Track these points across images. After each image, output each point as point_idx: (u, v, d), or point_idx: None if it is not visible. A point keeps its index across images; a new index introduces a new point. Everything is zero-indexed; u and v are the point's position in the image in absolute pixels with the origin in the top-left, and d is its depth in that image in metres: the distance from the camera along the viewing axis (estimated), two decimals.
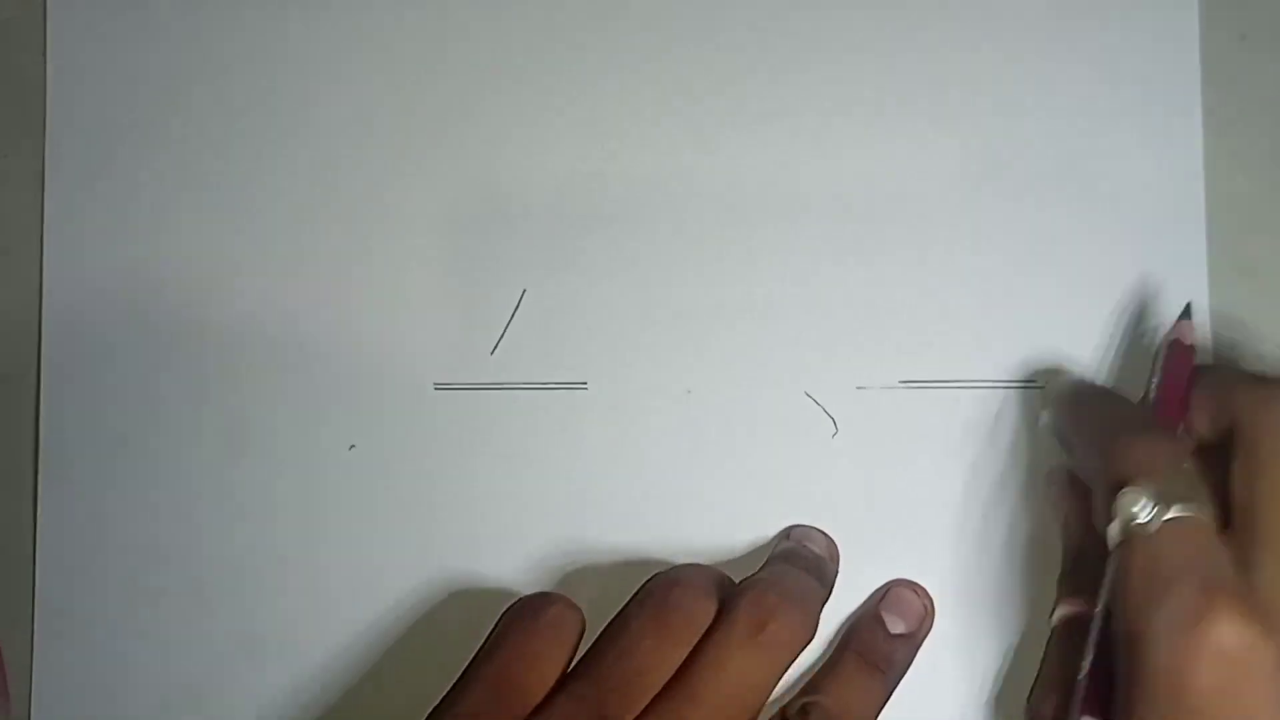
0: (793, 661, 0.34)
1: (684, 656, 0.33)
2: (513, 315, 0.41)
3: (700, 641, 0.34)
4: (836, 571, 0.39)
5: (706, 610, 0.34)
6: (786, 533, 0.39)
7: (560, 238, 0.41)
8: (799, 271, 0.40)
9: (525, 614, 0.35)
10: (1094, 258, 0.40)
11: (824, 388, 0.40)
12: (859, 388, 0.40)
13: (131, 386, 0.41)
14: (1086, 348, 0.40)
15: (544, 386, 0.40)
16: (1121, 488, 0.31)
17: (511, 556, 0.40)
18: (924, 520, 0.39)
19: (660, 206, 0.41)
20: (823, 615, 0.36)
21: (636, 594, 0.35)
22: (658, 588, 0.35)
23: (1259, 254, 0.40)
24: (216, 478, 0.41)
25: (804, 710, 0.35)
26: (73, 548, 0.41)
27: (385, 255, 0.41)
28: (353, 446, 0.40)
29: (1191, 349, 0.37)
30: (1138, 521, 0.30)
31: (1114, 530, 0.31)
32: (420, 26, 0.42)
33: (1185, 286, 0.40)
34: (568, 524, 0.40)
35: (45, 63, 0.42)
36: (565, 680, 0.34)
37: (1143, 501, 0.30)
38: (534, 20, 0.42)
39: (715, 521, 0.40)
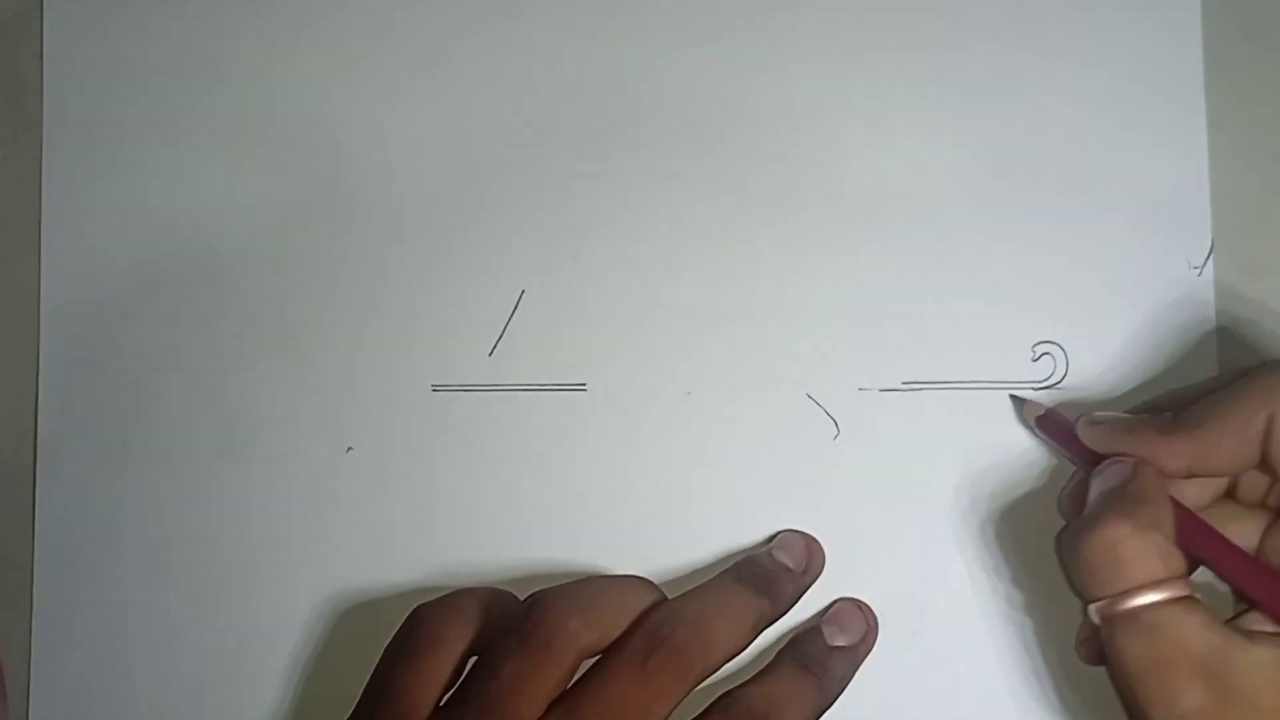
0: (688, 688, 0.34)
1: (562, 680, 0.33)
2: (511, 316, 0.40)
3: (592, 666, 0.33)
4: (808, 584, 0.38)
5: (579, 635, 0.33)
6: (772, 536, 0.39)
7: (558, 238, 0.41)
8: (799, 272, 0.40)
9: (404, 634, 0.35)
10: (1098, 258, 0.40)
11: (825, 389, 0.40)
12: (860, 389, 0.40)
13: (129, 388, 0.41)
14: (1090, 347, 0.39)
15: (542, 388, 0.40)
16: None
17: (510, 558, 0.40)
18: (926, 522, 0.39)
19: (659, 207, 0.41)
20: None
21: (509, 622, 0.35)
22: (530, 611, 0.34)
23: (1265, 252, 0.40)
24: (215, 479, 0.40)
25: (726, 706, 0.34)
26: (71, 549, 0.41)
27: (382, 256, 0.41)
28: (350, 449, 0.40)
29: (1048, 413, 0.38)
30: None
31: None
32: (418, 26, 0.41)
33: (1189, 286, 0.39)
34: (567, 526, 0.40)
35: (42, 61, 0.42)
36: (445, 708, 0.34)
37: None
38: (532, 22, 0.41)
39: (716, 524, 0.39)
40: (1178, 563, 0.31)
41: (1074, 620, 0.37)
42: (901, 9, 0.41)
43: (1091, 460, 0.35)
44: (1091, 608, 0.31)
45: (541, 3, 0.41)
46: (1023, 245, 0.40)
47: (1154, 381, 0.39)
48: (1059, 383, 0.39)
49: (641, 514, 0.40)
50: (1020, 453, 0.39)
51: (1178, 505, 0.33)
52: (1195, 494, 0.34)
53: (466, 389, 0.40)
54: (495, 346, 0.40)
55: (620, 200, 0.41)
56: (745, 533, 0.39)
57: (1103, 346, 0.39)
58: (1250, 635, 0.30)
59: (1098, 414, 0.36)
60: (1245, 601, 0.34)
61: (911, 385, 0.40)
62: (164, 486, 0.41)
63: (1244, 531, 0.34)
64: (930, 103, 0.40)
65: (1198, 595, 0.30)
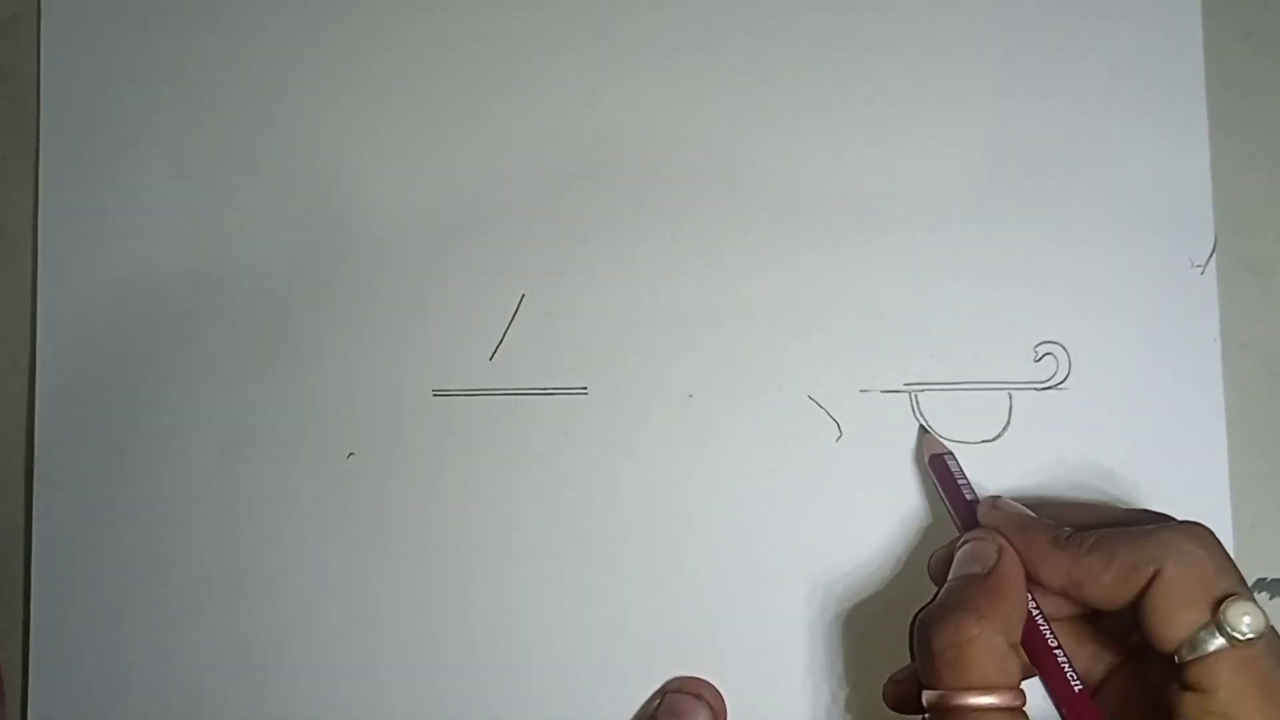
0: None
1: None
2: (511, 320, 0.40)
3: None
4: None
5: None
6: (661, 692, 0.39)
7: (559, 241, 0.40)
8: (801, 274, 0.40)
9: None
10: (1100, 257, 0.40)
11: (827, 391, 0.40)
12: (862, 390, 0.40)
13: (126, 393, 0.41)
14: (1093, 347, 0.39)
15: (544, 392, 0.40)
16: None
17: (511, 562, 0.40)
18: (929, 523, 0.39)
19: (661, 210, 0.40)
20: None
21: None
22: None
23: (1267, 251, 0.40)
24: (214, 485, 0.40)
25: None
26: (68, 556, 0.40)
27: (382, 260, 0.41)
28: (351, 454, 0.40)
29: (946, 458, 0.38)
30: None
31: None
32: (418, 29, 0.41)
33: (1192, 285, 0.39)
34: (568, 529, 0.40)
35: (39, 62, 0.42)
36: None
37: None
38: (533, 23, 0.41)
39: (718, 526, 0.39)
40: (1014, 672, 0.31)
41: None
42: (903, 10, 0.41)
43: (967, 525, 0.35)
44: (926, 694, 0.31)
45: (542, 7, 0.41)
46: (1024, 245, 0.40)
47: (1157, 382, 0.39)
48: (1061, 383, 0.39)
49: (643, 517, 0.39)
50: (1021, 454, 0.39)
51: (1030, 614, 0.33)
52: (1060, 601, 0.33)
53: (467, 393, 0.40)
54: (496, 351, 0.40)
55: (620, 203, 0.40)
56: (747, 535, 0.39)
57: (1105, 346, 0.39)
58: None
59: (1001, 500, 0.36)
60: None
61: (913, 386, 0.39)
62: (162, 492, 0.40)
63: (1091, 660, 0.34)
64: (931, 103, 0.40)
65: (1024, 710, 0.31)
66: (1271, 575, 0.39)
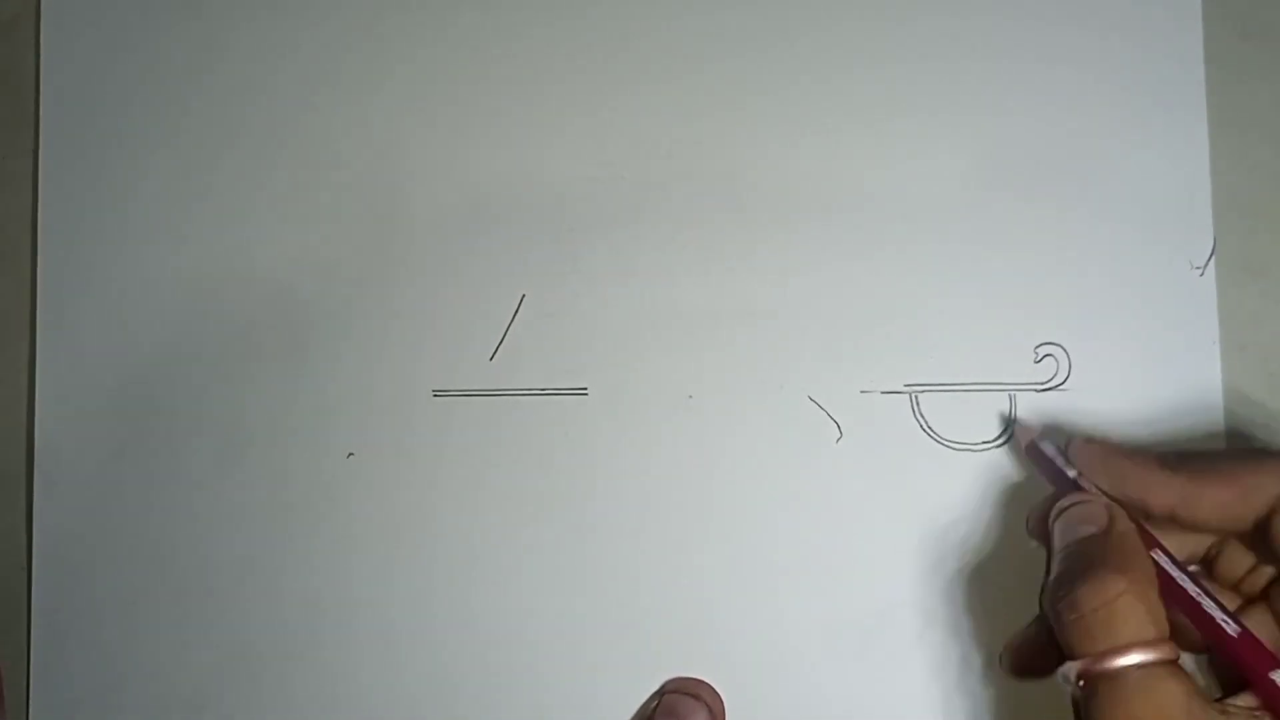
0: None
1: None
2: (511, 320, 0.40)
3: None
4: None
5: None
6: (660, 693, 0.39)
7: (559, 242, 0.40)
8: (801, 274, 0.40)
9: None
10: (1100, 259, 0.40)
11: (827, 392, 0.40)
12: (863, 391, 0.40)
13: (127, 395, 0.41)
14: (1093, 349, 0.39)
15: (544, 393, 0.40)
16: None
17: (511, 562, 0.40)
18: (929, 525, 0.39)
19: (660, 210, 0.40)
20: None
21: None
22: None
23: (1266, 253, 0.40)
24: (214, 485, 0.40)
25: None
26: (69, 557, 0.40)
27: (383, 260, 0.41)
28: (351, 454, 0.40)
29: (1033, 444, 0.37)
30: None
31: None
32: (422, 34, 0.41)
33: (1192, 287, 0.39)
34: (568, 530, 0.40)
35: (38, 62, 0.42)
36: None
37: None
38: (535, 26, 0.41)
39: (717, 527, 0.39)
40: (1165, 624, 0.30)
41: None
42: (903, 14, 0.40)
43: (1067, 484, 0.35)
44: (1075, 664, 0.30)
45: (544, 9, 0.41)
46: (1024, 247, 0.40)
47: (1157, 384, 0.39)
48: (1061, 384, 0.39)
49: (643, 517, 0.39)
50: (1024, 455, 0.39)
51: (1163, 566, 0.32)
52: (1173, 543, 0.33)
53: (467, 394, 0.40)
54: (496, 351, 0.40)
55: (621, 204, 0.40)
56: (748, 536, 0.39)
57: (1105, 348, 0.39)
58: (1226, 712, 0.29)
59: (1093, 437, 0.35)
60: (1225, 670, 0.33)
61: (914, 387, 0.40)
62: (163, 494, 0.40)
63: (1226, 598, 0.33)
64: (932, 106, 0.40)
65: (1179, 658, 0.30)
66: None
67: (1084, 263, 0.40)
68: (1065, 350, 0.39)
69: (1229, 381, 0.39)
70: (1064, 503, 0.34)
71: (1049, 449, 0.37)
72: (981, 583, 0.39)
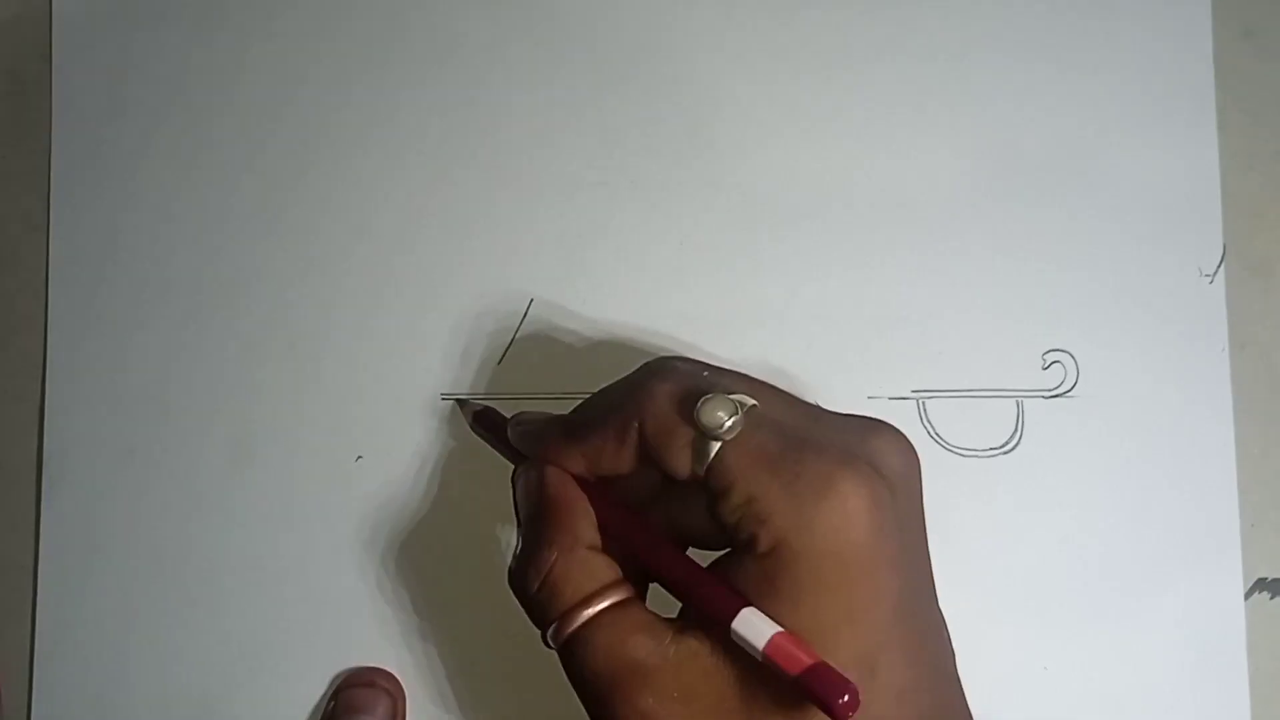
0: None
1: None
2: (520, 324, 0.40)
3: None
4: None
5: None
6: (335, 690, 0.39)
7: (567, 246, 0.40)
8: (808, 280, 0.40)
9: None
10: (1109, 265, 0.40)
11: (834, 397, 0.40)
12: (870, 397, 0.40)
13: (136, 396, 0.41)
14: (1101, 355, 0.39)
15: (551, 396, 0.40)
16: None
17: None
18: (935, 530, 0.39)
19: (668, 215, 0.40)
20: None
21: None
22: None
23: (1267, 252, 0.40)
24: (223, 488, 0.40)
25: None
26: (76, 558, 0.40)
27: (391, 264, 0.41)
28: (360, 457, 0.40)
29: (484, 411, 0.37)
30: None
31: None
32: (428, 33, 0.41)
33: (1201, 294, 0.39)
34: None
35: (50, 61, 0.42)
36: None
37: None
38: (542, 28, 0.41)
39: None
40: (605, 569, 0.30)
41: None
42: (910, 15, 0.41)
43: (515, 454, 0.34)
44: (549, 637, 0.30)
45: (551, 12, 0.41)
46: (1032, 253, 0.40)
47: (1165, 389, 0.39)
48: (1069, 391, 0.39)
49: None
50: (1031, 462, 0.39)
51: (606, 504, 0.32)
52: (638, 483, 0.32)
53: (476, 398, 0.40)
54: (504, 355, 0.40)
55: (629, 209, 0.40)
56: None
57: (1113, 354, 0.39)
58: (682, 627, 0.29)
59: (524, 413, 0.35)
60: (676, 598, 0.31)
61: (921, 393, 0.40)
62: (171, 495, 0.40)
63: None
64: (940, 110, 0.40)
65: (631, 596, 0.30)
66: (1272, 575, 0.39)
67: (1092, 268, 0.40)
68: (1073, 356, 0.39)
69: (1239, 387, 0.39)
70: (514, 475, 0.33)
71: (496, 417, 0.36)
72: (985, 587, 0.39)
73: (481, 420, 0.37)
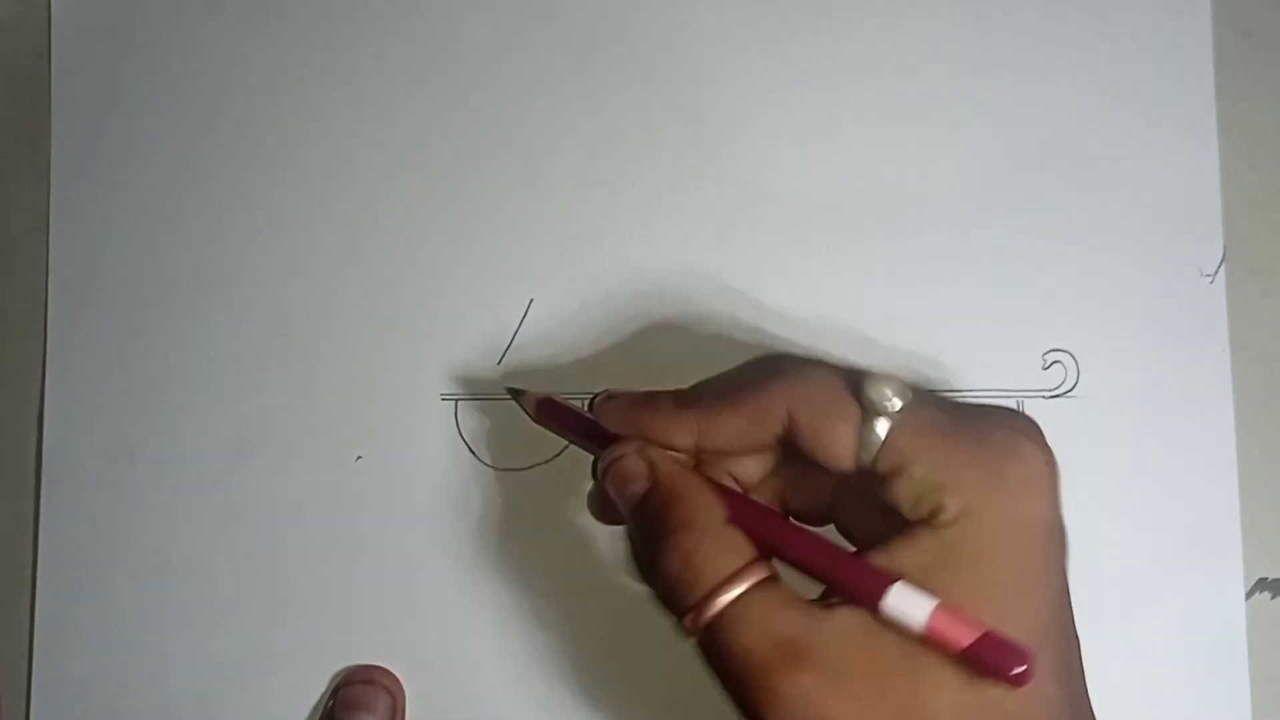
0: None
1: None
2: (519, 324, 0.40)
3: None
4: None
5: None
6: (334, 688, 0.39)
7: (567, 246, 0.40)
8: (808, 280, 0.40)
9: None
10: (1109, 265, 0.40)
11: None
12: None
13: (136, 397, 0.41)
14: (1102, 356, 0.39)
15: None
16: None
17: (518, 566, 0.40)
18: None
19: (668, 215, 0.40)
20: None
21: None
22: None
23: (1267, 252, 0.40)
24: (223, 488, 0.40)
25: None
26: (75, 559, 0.40)
27: (390, 265, 0.41)
28: (360, 457, 0.40)
29: (547, 401, 0.36)
30: None
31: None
32: (428, 32, 0.41)
33: (1201, 294, 0.39)
34: (573, 532, 0.40)
35: (49, 61, 0.42)
36: None
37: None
38: (539, 31, 0.41)
39: None
40: (744, 547, 0.29)
41: None
42: (911, 17, 0.41)
43: (602, 445, 0.33)
44: (684, 623, 0.29)
45: (551, 12, 0.41)
46: (1033, 253, 0.40)
47: (1165, 389, 0.39)
48: (1070, 391, 0.39)
49: None
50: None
51: (725, 490, 0.31)
52: (746, 469, 0.32)
53: (475, 398, 0.40)
54: (504, 355, 0.40)
55: (629, 208, 0.40)
56: None
57: (1114, 355, 0.39)
58: (830, 604, 0.28)
59: (614, 389, 0.34)
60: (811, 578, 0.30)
61: None
62: (171, 496, 0.40)
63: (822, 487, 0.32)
64: (940, 110, 0.40)
65: (774, 574, 0.29)
66: (1273, 575, 0.39)
67: (1092, 268, 0.40)
68: (1074, 357, 0.39)
69: (1239, 387, 0.39)
70: (603, 462, 0.32)
71: (564, 406, 0.36)
72: None
73: (545, 409, 0.36)
